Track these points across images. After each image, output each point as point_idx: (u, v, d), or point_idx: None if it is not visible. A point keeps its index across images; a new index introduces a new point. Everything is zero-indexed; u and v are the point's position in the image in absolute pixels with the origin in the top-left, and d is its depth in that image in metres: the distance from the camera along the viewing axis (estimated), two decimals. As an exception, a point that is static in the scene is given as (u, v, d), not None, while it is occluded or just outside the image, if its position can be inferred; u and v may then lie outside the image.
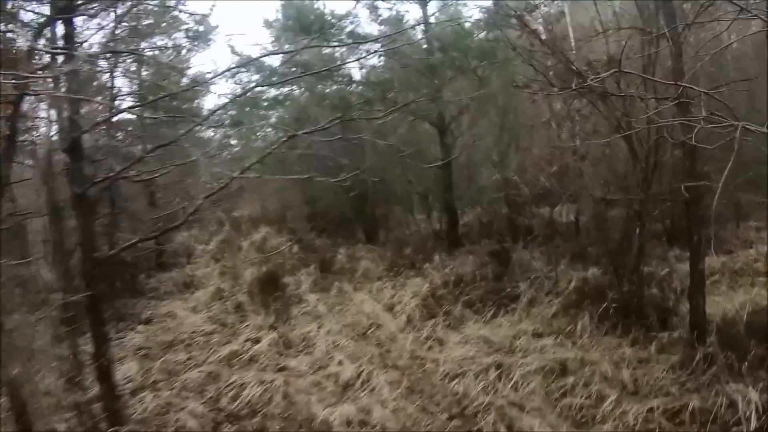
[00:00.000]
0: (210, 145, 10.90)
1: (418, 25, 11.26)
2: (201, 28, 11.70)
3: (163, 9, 10.83)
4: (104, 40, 6.47)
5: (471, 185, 12.29)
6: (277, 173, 8.95)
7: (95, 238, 6.25)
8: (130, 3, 7.11)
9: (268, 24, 13.14)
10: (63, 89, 5.10)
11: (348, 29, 11.48)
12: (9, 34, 5.21)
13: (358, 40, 10.95)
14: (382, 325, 8.37)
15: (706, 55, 4.20)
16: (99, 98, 7.22)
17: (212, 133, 13.26)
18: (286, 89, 13.90)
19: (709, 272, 7.37)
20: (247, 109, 13.69)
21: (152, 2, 9.76)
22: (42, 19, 5.48)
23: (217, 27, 11.82)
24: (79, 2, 5.48)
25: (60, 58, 5.26)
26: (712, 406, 5.24)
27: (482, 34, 10.44)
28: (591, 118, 7.47)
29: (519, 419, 5.57)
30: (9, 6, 5.19)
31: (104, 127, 8.93)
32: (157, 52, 10.94)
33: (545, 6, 8.41)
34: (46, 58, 5.39)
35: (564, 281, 8.54)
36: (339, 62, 11.37)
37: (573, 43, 7.52)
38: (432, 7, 11.89)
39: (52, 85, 5.38)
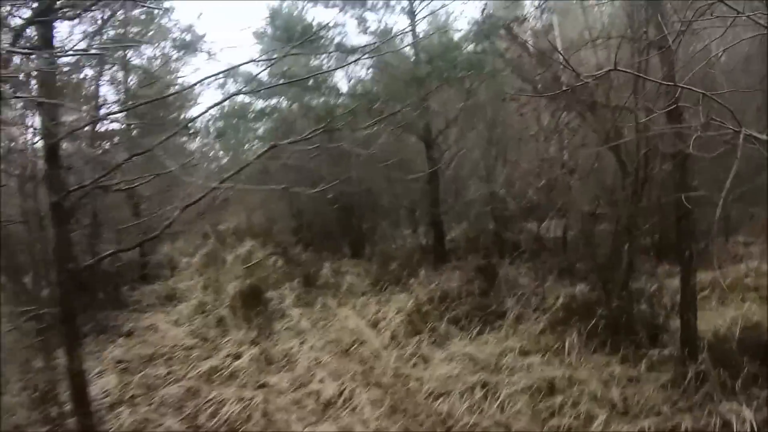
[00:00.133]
0: (193, 156, 10.76)
1: (404, 33, 11.25)
2: (188, 38, 11.70)
3: (149, 18, 10.82)
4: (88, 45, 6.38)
5: (458, 199, 12.20)
6: (261, 185, 8.77)
7: (71, 248, 6.08)
8: (111, 8, 7.02)
9: (257, 35, 13.07)
10: (35, 92, 4.95)
11: (336, 41, 11.47)
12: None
13: (344, 50, 10.92)
14: (365, 342, 8.19)
15: (698, 64, 4.10)
16: (73, 104, 7.02)
17: (198, 144, 13.16)
18: (273, 101, 13.86)
19: (699, 287, 7.28)
20: (234, 120, 13.62)
21: (138, 10, 9.74)
22: (20, 23, 5.34)
23: (204, 36, 11.80)
24: (57, 5, 5.34)
25: (34, 60, 5.10)
26: (706, 426, 5.15)
27: (470, 47, 10.41)
28: (579, 131, 7.42)
29: (505, 440, 5.41)
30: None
31: (84, 135, 8.80)
32: (143, 62, 10.88)
33: (534, 18, 8.40)
34: (17, 60, 5.22)
35: (551, 297, 8.43)
36: (325, 72, 11.33)
37: (562, 52, 7.46)
38: (423, 24, 11.94)
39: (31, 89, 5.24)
